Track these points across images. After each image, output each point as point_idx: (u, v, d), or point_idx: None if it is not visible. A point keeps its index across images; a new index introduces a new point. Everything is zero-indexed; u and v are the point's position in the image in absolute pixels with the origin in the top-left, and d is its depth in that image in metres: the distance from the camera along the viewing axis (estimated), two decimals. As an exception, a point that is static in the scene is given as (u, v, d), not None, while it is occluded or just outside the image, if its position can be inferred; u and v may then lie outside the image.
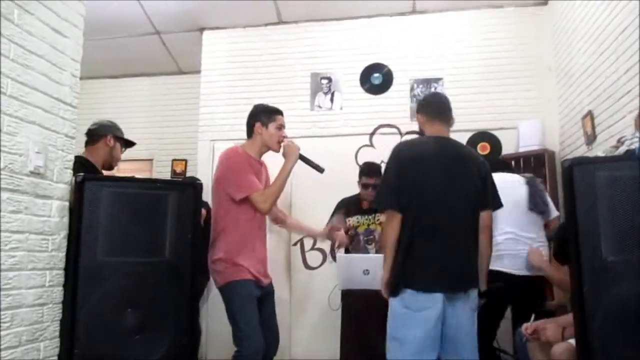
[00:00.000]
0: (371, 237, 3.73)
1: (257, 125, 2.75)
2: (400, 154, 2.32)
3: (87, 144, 2.99)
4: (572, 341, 2.24)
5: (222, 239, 2.68)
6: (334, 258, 4.34)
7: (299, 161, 2.78)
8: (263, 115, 2.76)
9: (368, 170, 3.71)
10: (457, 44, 4.50)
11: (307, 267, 4.47)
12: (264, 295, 2.74)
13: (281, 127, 2.78)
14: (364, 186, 3.69)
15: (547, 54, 4.28)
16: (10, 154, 1.94)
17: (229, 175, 2.65)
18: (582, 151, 3.55)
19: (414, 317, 2.16)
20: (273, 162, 2.87)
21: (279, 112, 2.81)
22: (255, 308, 2.61)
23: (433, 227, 2.19)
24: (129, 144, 3.20)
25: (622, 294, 1.84)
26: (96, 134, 2.99)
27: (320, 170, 2.81)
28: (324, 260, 4.44)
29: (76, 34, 2.38)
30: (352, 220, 3.77)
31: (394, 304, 2.26)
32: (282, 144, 2.76)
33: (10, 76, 1.95)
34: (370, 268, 3.21)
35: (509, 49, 4.38)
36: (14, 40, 1.98)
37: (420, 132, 2.55)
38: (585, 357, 1.87)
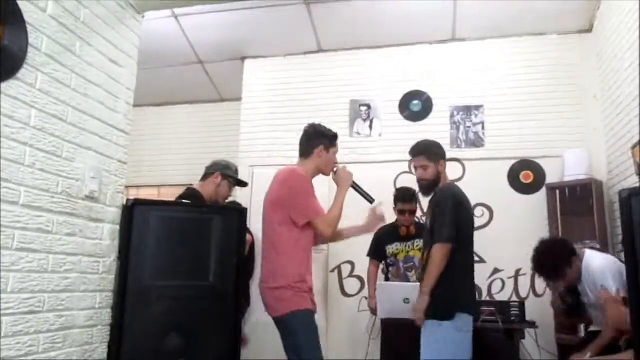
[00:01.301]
0: (411, 264, 3.68)
1: (320, 148, 2.64)
2: (456, 194, 2.64)
3: (202, 178, 3.27)
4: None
5: (285, 265, 2.50)
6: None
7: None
8: (327, 139, 2.67)
9: (403, 196, 3.71)
10: (498, 71, 4.47)
11: (344, 294, 4.43)
12: None
13: (336, 153, 2.74)
14: (400, 212, 3.68)
15: (593, 82, 4.20)
16: (68, 178, 2.01)
17: (294, 199, 2.52)
18: (632, 181, 3.43)
19: (468, 338, 2.46)
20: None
21: (337, 138, 2.75)
22: (319, 340, 2.46)
23: (471, 261, 2.65)
24: (240, 183, 3.36)
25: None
26: (208, 171, 3.26)
27: (370, 200, 2.75)
28: (362, 287, 4.39)
29: (131, 64, 2.49)
30: (392, 248, 3.74)
31: (445, 327, 2.42)
32: (334, 169, 2.71)
33: (71, 104, 2.05)
34: (411, 296, 3.15)
35: (553, 77, 4.32)
36: (75, 70, 2.08)
37: (436, 178, 2.71)
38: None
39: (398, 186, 4.36)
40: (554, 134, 4.20)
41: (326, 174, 2.71)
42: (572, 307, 2.95)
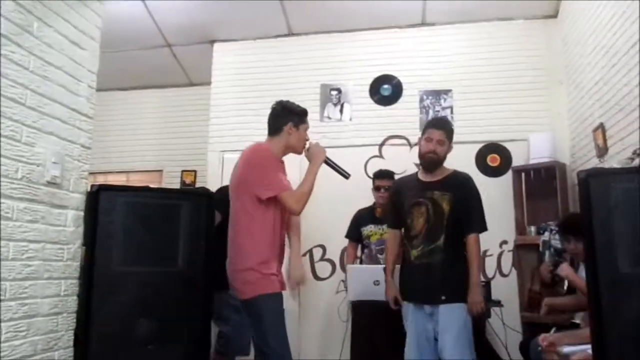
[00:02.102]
0: (382, 247, 3.72)
1: (289, 125, 2.56)
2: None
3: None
4: (590, 352, 2.23)
5: (251, 246, 2.44)
6: (343, 268, 4.33)
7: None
8: (296, 116, 2.59)
9: (380, 173, 3.82)
10: (467, 55, 4.52)
11: (316, 277, 4.46)
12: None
13: (307, 129, 2.67)
14: (376, 188, 3.75)
15: (558, 66, 4.29)
16: (28, 164, 1.96)
17: (257, 173, 2.45)
18: (593, 163, 3.54)
19: None
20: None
21: (307, 114, 2.67)
22: (285, 324, 2.44)
23: None
24: None
25: (639, 306, 1.82)
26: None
27: (346, 175, 2.66)
28: (334, 270, 4.43)
29: (93, 46, 2.42)
30: (366, 230, 3.77)
31: (466, 308, 2.60)
32: (306, 146, 2.63)
33: (30, 87, 1.98)
34: (381, 279, 3.21)
35: (519, 62, 4.39)
36: (33, 52, 2.01)
37: (438, 157, 2.73)
38: (602, 369, 1.85)
39: (369, 170, 4.40)
40: (521, 117, 4.28)
41: (298, 151, 2.62)
42: (556, 277, 3.11)
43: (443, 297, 2.57)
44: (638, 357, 1.81)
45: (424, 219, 2.68)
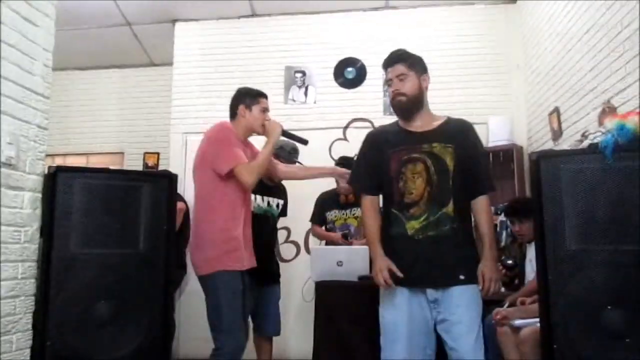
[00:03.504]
0: (347, 231, 3.78)
1: (241, 107, 2.67)
2: None
3: None
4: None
5: (209, 223, 2.51)
6: (308, 250, 4.38)
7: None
8: (247, 98, 2.69)
9: (342, 165, 3.70)
10: (428, 39, 4.57)
11: (281, 259, 4.49)
12: (248, 283, 2.63)
13: (265, 110, 2.71)
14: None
15: (516, 51, 4.40)
16: (-19, 144, 1.91)
17: (214, 149, 2.52)
18: (549, 146, 3.68)
19: None
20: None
21: (262, 95, 2.73)
22: (240, 303, 2.49)
23: None
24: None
25: (584, 281, 1.93)
26: None
27: (304, 142, 2.80)
28: (298, 252, 4.48)
29: (47, 23, 2.34)
30: (331, 215, 3.81)
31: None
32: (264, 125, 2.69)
33: (-19, 65, 1.92)
34: (344, 259, 3.27)
35: (479, 46, 4.48)
36: (-16, 28, 1.94)
37: (417, 95, 2.15)
38: (548, 341, 1.96)
39: (333, 152, 4.44)
40: (480, 101, 4.38)
41: (257, 131, 2.70)
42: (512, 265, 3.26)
43: (462, 277, 1.98)
44: (582, 331, 1.91)
45: (424, 180, 2.04)
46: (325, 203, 3.85)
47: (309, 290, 3.82)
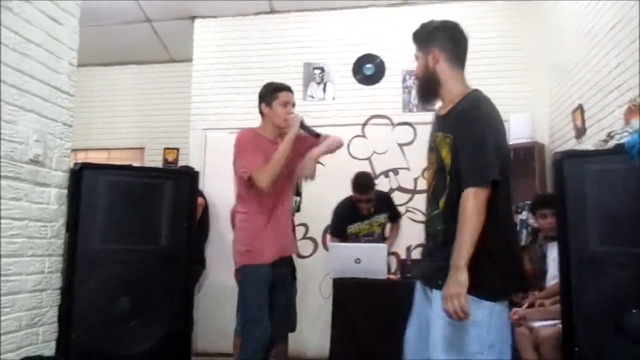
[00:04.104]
0: (371, 238, 3.78)
1: (262, 105, 2.65)
2: (490, 111, 1.76)
3: None
4: (560, 327, 2.33)
5: (239, 219, 2.59)
6: (326, 247, 4.39)
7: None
8: (266, 94, 2.65)
9: (357, 186, 3.69)
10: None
11: (299, 255, 4.51)
12: (279, 278, 2.61)
13: (287, 103, 2.63)
14: (357, 200, 3.69)
15: (538, 47, 4.33)
16: (10, 142, 1.95)
17: (235, 159, 2.56)
18: (572, 144, 3.62)
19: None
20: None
21: (283, 89, 2.66)
22: (265, 295, 2.49)
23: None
24: None
25: (607, 283, 1.91)
26: None
27: (316, 135, 2.68)
28: (315, 249, 4.49)
29: (72, 22, 2.39)
30: (353, 228, 3.79)
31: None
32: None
33: (10, 65, 1.96)
34: (362, 257, 3.28)
35: (500, 42, 4.42)
36: (12, 28, 1.98)
37: (425, 77, 1.85)
38: (569, 343, 1.94)
39: (351, 149, 4.44)
40: (502, 98, 4.25)
41: (281, 126, 2.62)
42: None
43: (440, 281, 1.65)
44: (604, 333, 1.89)
45: (432, 173, 1.85)
46: (346, 216, 3.81)
47: (327, 287, 3.84)
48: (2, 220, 1.90)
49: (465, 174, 1.66)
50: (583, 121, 3.43)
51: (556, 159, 1.99)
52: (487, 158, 1.64)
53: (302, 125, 2.63)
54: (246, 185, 2.51)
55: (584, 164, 1.94)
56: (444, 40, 1.82)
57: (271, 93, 2.65)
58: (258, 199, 2.53)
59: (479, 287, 1.59)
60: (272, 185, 2.48)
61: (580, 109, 3.46)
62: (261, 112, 2.68)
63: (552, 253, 2.93)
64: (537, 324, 2.60)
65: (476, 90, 1.80)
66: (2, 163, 1.91)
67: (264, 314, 2.48)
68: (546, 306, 2.73)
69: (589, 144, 3.20)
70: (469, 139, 1.69)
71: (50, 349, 2.17)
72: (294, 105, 2.69)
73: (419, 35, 1.90)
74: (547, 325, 2.53)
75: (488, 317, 1.62)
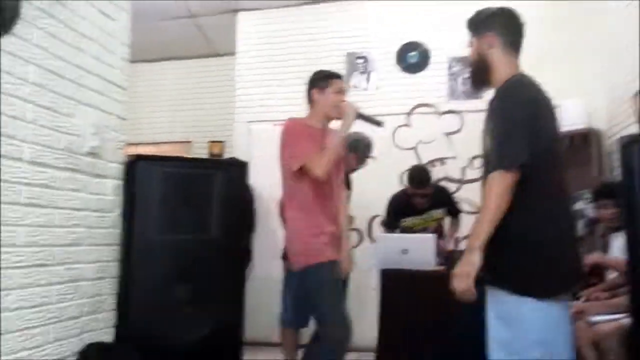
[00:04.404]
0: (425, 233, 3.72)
1: (314, 91, 2.52)
2: (526, 95, 1.71)
3: None
4: (622, 322, 2.23)
5: (298, 218, 2.44)
6: (371, 238, 4.37)
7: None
8: (319, 80, 2.54)
9: (412, 179, 3.59)
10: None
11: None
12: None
13: (340, 91, 2.53)
14: (412, 194, 3.60)
15: (595, 31, 4.14)
16: (69, 134, 2.02)
17: (284, 149, 2.44)
18: (633, 130, 3.44)
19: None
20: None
21: (335, 76, 2.57)
22: (337, 293, 2.42)
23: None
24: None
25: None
26: None
27: (379, 124, 2.60)
28: (361, 240, 4.47)
29: (124, 18, 2.44)
30: (407, 221, 3.73)
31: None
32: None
33: (67, 60, 2.02)
34: (410, 248, 3.23)
35: (553, 27, 4.23)
36: (68, 24, 2.04)
37: (478, 61, 1.83)
38: (637, 339, 1.85)
39: (396, 139, 4.38)
40: (554, 83, 4.15)
41: (332, 116, 2.53)
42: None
43: (488, 278, 1.62)
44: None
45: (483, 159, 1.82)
46: (399, 210, 3.72)
47: (373, 278, 3.81)
48: (63, 211, 1.97)
49: (492, 159, 1.63)
50: (644, 105, 3.26)
51: (623, 144, 1.88)
52: (514, 142, 1.59)
53: (361, 115, 2.53)
54: (296, 177, 2.40)
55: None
56: (500, 26, 1.80)
57: (324, 79, 2.55)
58: (315, 197, 2.41)
59: (520, 284, 1.56)
60: (326, 175, 2.38)
61: (640, 92, 3.30)
62: (310, 99, 2.57)
63: (617, 243, 2.81)
64: (597, 318, 2.50)
65: (517, 75, 1.76)
66: (63, 155, 1.98)
67: (342, 313, 2.39)
68: (606, 299, 2.61)
69: (650, 128, 3.05)
70: (498, 124, 1.66)
71: (110, 335, 2.24)
72: (345, 93, 2.59)
73: (475, 21, 1.88)
74: (608, 320, 2.43)
75: (531, 313, 1.57)
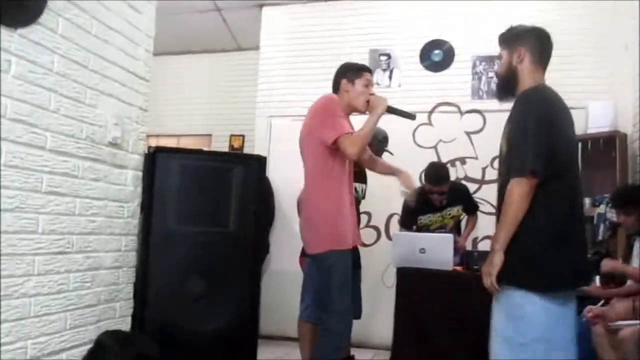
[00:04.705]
0: (443, 231, 3.68)
1: (344, 81, 2.52)
2: (545, 105, 1.80)
3: None
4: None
5: (320, 201, 2.39)
6: (389, 235, 4.35)
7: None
8: (350, 72, 2.54)
9: (430, 177, 3.57)
10: (523, 19, 4.27)
11: (362, 244, 4.48)
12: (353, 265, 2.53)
13: (369, 84, 2.54)
14: (429, 191, 3.57)
15: (625, 30, 4.04)
16: (91, 125, 2.05)
17: (320, 119, 2.39)
18: (658, 133, 3.37)
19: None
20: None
21: (367, 69, 2.59)
22: (350, 283, 2.40)
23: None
24: None
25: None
26: None
27: (412, 117, 2.61)
28: (379, 237, 4.45)
29: (149, 9, 2.46)
30: (424, 219, 3.70)
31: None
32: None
33: (92, 51, 2.05)
34: (427, 247, 3.20)
35: (581, 26, 4.16)
36: (94, 16, 2.07)
37: (507, 72, 1.94)
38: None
39: (417, 137, 4.34)
40: (581, 84, 4.07)
41: (359, 108, 2.51)
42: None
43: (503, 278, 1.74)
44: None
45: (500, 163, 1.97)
46: (417, 207, 3.62)
47: (390, 276, 3.79)
48: (84, 200, 2.01)
49: (510, 166, 1.75)
50: (673, 109, 3.17)
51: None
52: (529, 150, 1.70)
53: (391, 109, 2.51)
54: (328, 155, 2.37)
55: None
56: (531, 41, 1.95)
57: (357, 71, 2.55)
58: (338, 182, 2.40)
59: (523, 279, 1.70)
60: (358, 156, 2.43)
61: (670, 95, 3.21)
62: (337, 88, 2.55)
63: (637, 248, 2.75)
64: (616, 323, 2.45)
65: (537, 85, 1.87)
66: (85, 145, 2.01)
67: (349, 305, 2.40)
68: (624, 303, 2.57)
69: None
70: (514, 133, 1.79)
71: (126, 324, 2.28)
72: (372, 87, 2.59)
73: (507, 35, 2.03)
74: (627, 325, 2.38)
75: (532, 309, 1.68)
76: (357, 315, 3.36)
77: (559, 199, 1.73)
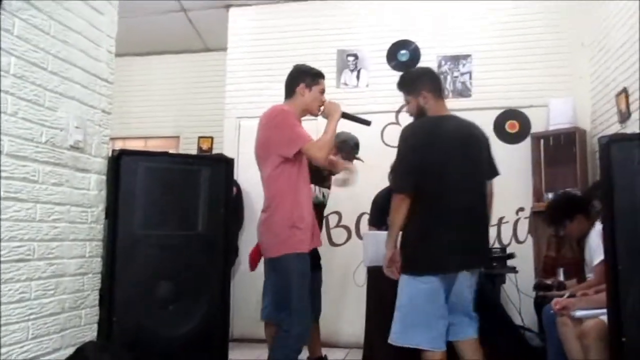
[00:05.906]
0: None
1: (301, 86, 2.60)
2: (412, 134, 2.35)
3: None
4: (604, 318, 2.25)
5: (280, 205, 2.47)
6: (359, 235, 4.37)
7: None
8: (308, 77, 2.62)
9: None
10: (486, 19, 4.41)
11: (332, 244, 4.51)
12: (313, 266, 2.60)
13: (323, 91, 2.65)
14: None
15: (581, 29, 4.17)
16: (52, 128, 1.99)
17: (277, 133, 2.46)
18: (615, 129, 3.49)
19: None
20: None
21: (322, 76, 2.68)
22: (308, 285, 2.47)
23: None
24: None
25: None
26: None
27: (367, 123, 2.70)
28: (349, 237, 4.48)
29: (111, 10, 2.41)
30: None
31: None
32: (321, 107, 2.63)
33: (51, 52, 2.00)
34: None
35: (541, 24, 4.28)
36: (53, 16, 2.02)
37: (420, 112, 2.41)
38: (616, 334, 1.88)
39: (385, 137, 4.38)
40: (541, 82, 4.20)
41: (313, 112, 2.63)
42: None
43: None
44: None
45: None
46: (385, 206, 3.72)
47: (360, 275, 3.82)
48: (45, 205, 1.95)
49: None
50: (627, 105, 3.30)
51: (603, 143, 1.91)
52: (400, 172, 2.37)
53: (346, 115, 2.60)
54: (286, 164, 2.45)
55: (633, 147, 1.85)
56: (427, 83, 2.41)
57: (314, 76, 2.63)
58: (295, 186, 2.47)
59: (404, 268, 2.32)
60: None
61: (624, 92, 3.33)
62: (293, 91, 2.62)
63: (587, 241, 2.87)
64: (580, 312, 2.53)
65: (423, 118, 2.40)
66: (45, 149, 1.95)
67: (308, 307, 2.45)
68: (589, 295, 2.64)
69: (633, 128, 3.08)
70: (395, 158, 2.40)
71: (92, 332, 2.23)
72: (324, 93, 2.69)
73: (406, 83, 2.51)
74: (592, 315, 2.46)
75: (405, 285, 2.31)
76: (316, 317, 3.35)
77: (426, 207, 2.24)
